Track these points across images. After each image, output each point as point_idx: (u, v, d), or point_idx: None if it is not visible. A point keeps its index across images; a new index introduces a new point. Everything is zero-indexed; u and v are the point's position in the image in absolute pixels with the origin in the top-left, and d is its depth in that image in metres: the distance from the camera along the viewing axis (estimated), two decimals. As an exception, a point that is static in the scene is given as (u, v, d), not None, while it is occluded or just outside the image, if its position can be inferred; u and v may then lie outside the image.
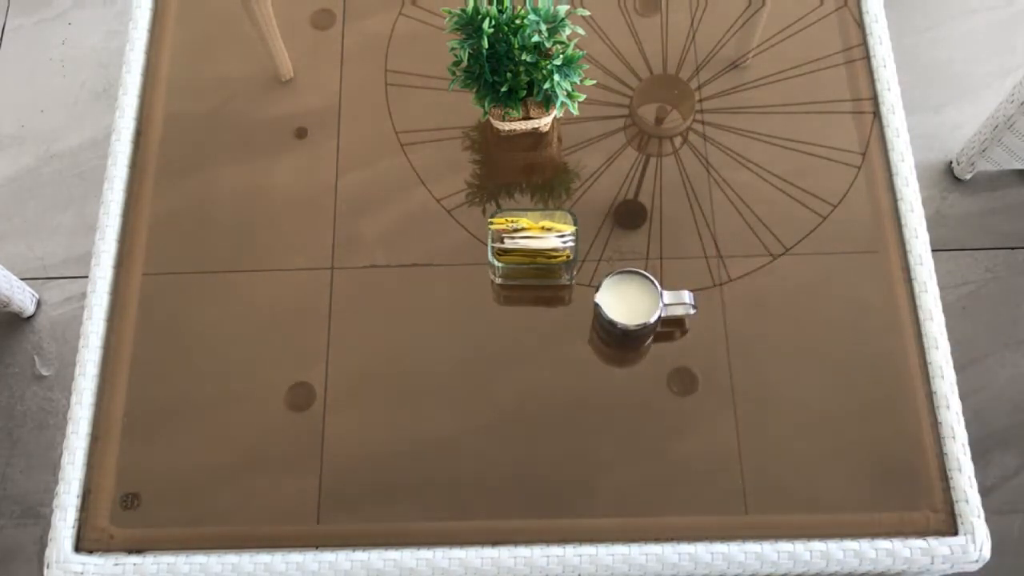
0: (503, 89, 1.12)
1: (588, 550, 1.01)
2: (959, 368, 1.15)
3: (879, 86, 1.24)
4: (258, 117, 1.26)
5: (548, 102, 1.15)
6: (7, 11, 2.04)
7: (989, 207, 1.81)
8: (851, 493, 1.04)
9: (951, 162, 1.83)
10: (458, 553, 1.01)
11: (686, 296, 1.09)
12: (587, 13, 1.19)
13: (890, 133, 1.21)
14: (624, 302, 1.07)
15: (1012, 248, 1.77)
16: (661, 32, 1.30)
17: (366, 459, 1.07)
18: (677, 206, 1.19)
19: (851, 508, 1.04)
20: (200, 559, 1.01)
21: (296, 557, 1.01)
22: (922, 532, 1.02)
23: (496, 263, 1.10)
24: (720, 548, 1.00)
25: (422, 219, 1.19)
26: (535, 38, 1.08)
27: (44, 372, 1.71)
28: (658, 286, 1.08)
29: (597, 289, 1.08)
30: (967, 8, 1.99)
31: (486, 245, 1.11)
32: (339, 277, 1.16)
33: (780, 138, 1.22)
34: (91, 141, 1.90)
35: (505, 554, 1.00)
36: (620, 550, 1.01)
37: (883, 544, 1.00)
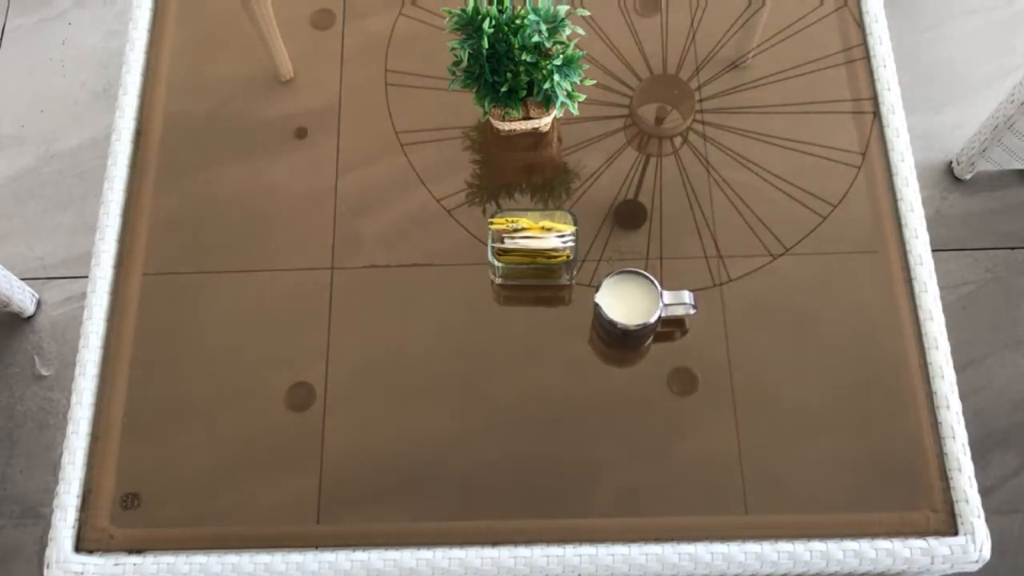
0: (503, 89, 1.12)
1: (588, 550, 1.01)
2: (959, 368, 1.15)
3: (879, 86, 1.24)
4: (258, 117, 1.26)
5: (548, 102, 1.15)
6: (7, 11, 2.04)
7: (989, 207, 1.81)
8: (851, 493, 1.04)
9: (951, 162, 1.83)
10: (458, 553, 1.01)
11: (686, 296, 1.09)
12: (587, 13, 1.19)
13: (890, 133, 1.21)
14: (624, 302, 1.07)
15: (1012, 248, 1.77)
16: (661, 32, 1.30)
17: (366, 459, 1.07)
18: (677, 206, 1.19)
19: (851, 508, 1.04)
20: (200, 559, 1.01)
21: (296, 557, 1.01)
22: (922, 532, 1.02)
23: (496, 263, 1.10)
24: (720, 548, 1.00)
25: (422, 219, 1.19)
26: (535, 38, 1.08)
27: (44, 372, 1.71)
28: (658, 286, 1.08)
29: (597, 289, 1.08)
30: (967, 8, 1.99)
31: (486, 245, 1.11)
32: (339, 277, 1.16)
33: (780, 138, 1.22)
34: (91, 141, 1.90)
35: (505, 554, 1.00)
36: (620, 550, 1.01)
37: (883, 544, 1.00)
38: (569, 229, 1.10)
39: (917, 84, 1.90)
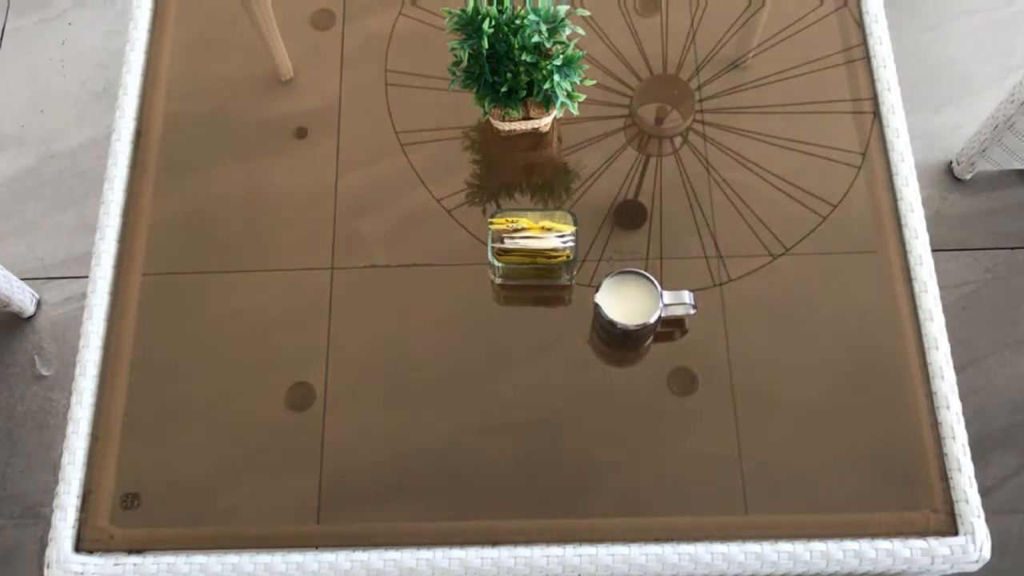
0: (503, 89, 1.12)
1: (588, 550, 1.01)
2: (959, 368, 1.15)
3: (879, 86, 1.24)
4: (258, 117, 1.26)
5: (548, 102, 1.15)
6: (7, 11, 2.04)
7: (989, 207, 1.81)
8: (851, 493, 1.04)
9: (951, 162, 1.83)
10: (458, 553, 1.01)
11: (686, 296, 1.09)
12: (587, 13, 1.19)
13: (890, 133, 1.21)
14: (624, 302, 1.07)
15: (1012, 248, 1.77)
16: (661, 32, 1.30)
17: (366, 459, 1.07)
18: (677, 206, 1.19)
19: (851, 508, 1.04)
20: (200, 559, 1.01)
21: (296, 557, 1.01)
22: (922, 532, 1.02)
23: (496, 263, 1.10)
24: (720, 548, 1.00)
25: (422, 219, 1.19)
26: (535, 38, 1.08)
27: (44, 372, 1.71)
28: (658, 286, 1.08)
29: (597, 289, 1.08)
30: (967, 8, 1.99)
31: (486, 245, 1.11)
32: (339, 277, 1.16)
33: (780, 138, 1.22)
34: (91, 141, 1.90)
35: (505, 554, 1.00)
36: (620, 550, 1.01)
37: (883, 544, 1.00)
38: (569, 229, 1.10)
39: (917, 84, 1.90)
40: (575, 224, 1.11)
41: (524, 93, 1.14)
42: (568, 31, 1.11)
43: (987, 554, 1.01)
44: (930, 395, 1.07)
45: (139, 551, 1.02)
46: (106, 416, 1.09)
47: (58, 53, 2.00)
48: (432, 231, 1.18)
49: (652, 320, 1.06)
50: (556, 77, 1.11)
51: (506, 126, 1.20)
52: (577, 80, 1.12)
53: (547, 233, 1.09)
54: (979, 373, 1.67)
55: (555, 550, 1.01)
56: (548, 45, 1.11)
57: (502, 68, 1.12)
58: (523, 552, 1.01)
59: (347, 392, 1.10)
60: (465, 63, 1.11)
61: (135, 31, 1.30)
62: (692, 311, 1.09)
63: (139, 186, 1.21)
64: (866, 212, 1.18)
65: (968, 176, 1.82)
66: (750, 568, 1.00)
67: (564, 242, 1.09)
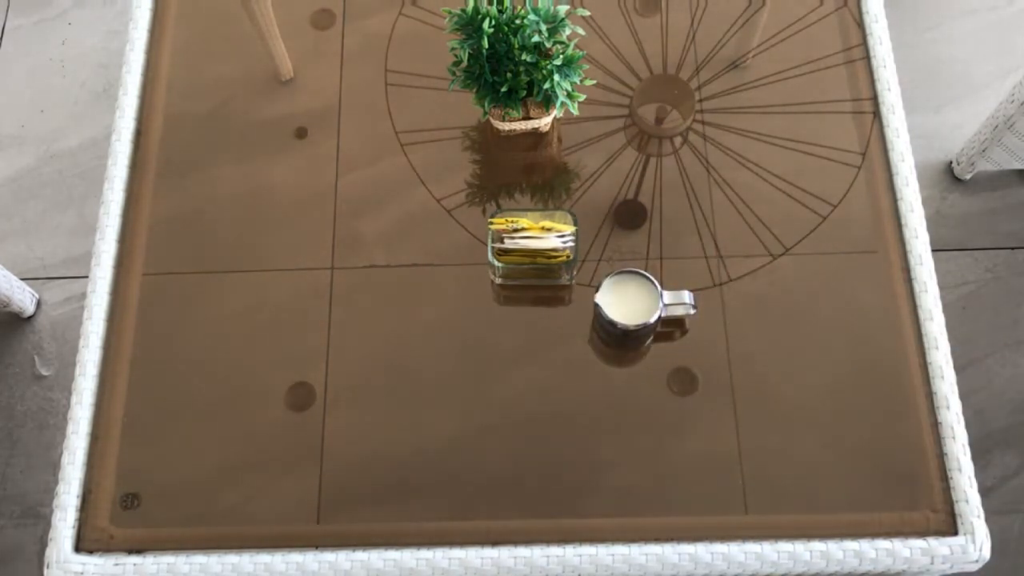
0: (503, 89, 1.12)
1: (588, 550, 1.01)
2: (959, 368, 1.15)
3: (879, 86, 1.24)
4: (258, 117, 1.26)
5: (548, 102, 1.15)
6: (7, 11, 2.04)
7: (989, 207, 1.81)
8: (851, 493, 1.04)
9: (951, 162, 1.83)
10: (458, 553, 1.01)
11: (686, 296, 1.09)
12: (587, 13, 1.19)
13: (890, 133, 1.21)
14: (624, 302, 1.07)
15: (1012, 248, 1.77)
16: (661, 32, 1.30)
17: (366, 459, 1.07)
18: (677, 206, 1.19)
19: (851, 508, 1.04)
20: (200, 559, 1.01)
21: (296, 557, 1.01)
22: (922, 532, 1.02)
23: (496, 263, 1.10)
24: (720, 548, 1.00)
25: (422, 219, 1.19)
26: (535, 38, 1.08)
27: (44, 372, 1.71)
28: (658, 286, 1.08)
29: (597, 289, 1.08)
30: (967, 8, 1.99)
31: (486, 245, 1.11)
32: (339, 277, 1.16)
33: (780, 138, 1.22)
34: (91, 141, 1.90)
35: (505, 554, 1.00)
36: (620, 550, 1.01)
37: (883, 544, 1.00)
38: (569, 229, 1.10)
39: (917, 84, 1.90)
40: (575, 224, 1.11)
41: (524, 93, 1.14)
42: (568, 31, 1.11)
43: (987, 554, 1.01)
44: (930, 395, 1.07)
45: (139, 551, 1.02)
46: (106, 416, 1.09)
47: (58, 53, 2.00)
48: (432, 231, 1.18)
49: (652, 320, 1.06)
50: (556, 77, 1.11)
51: (506, 126, 1.20)
52: (577, 80, 1.12)
53: (547, 233, 1.09)
54: (979, 373, 1.67)
55: (555, 550, 1.01)
56: (548, 45, 1.11)
57: (502, 68, 1.12)
58: (523, 552, 1.01)
59: (347, 392, 1.10)
60: (465, 63, 1.11)
61: (135, 31, 1.30)
62: (692, 311, 1.09)
63: (139, 186, 1.21)
64: (866, 212, 1.18)
65: (968, 176, 1.82)
66: (750, 568, 1.00)
67: (564, 242, 1.09)
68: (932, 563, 1.00)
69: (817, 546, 1.00)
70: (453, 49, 1.11)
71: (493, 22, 1.07)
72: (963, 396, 1.10)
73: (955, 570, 1.02)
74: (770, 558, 1.00)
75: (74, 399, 1.09)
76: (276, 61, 1.30)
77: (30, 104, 1.95)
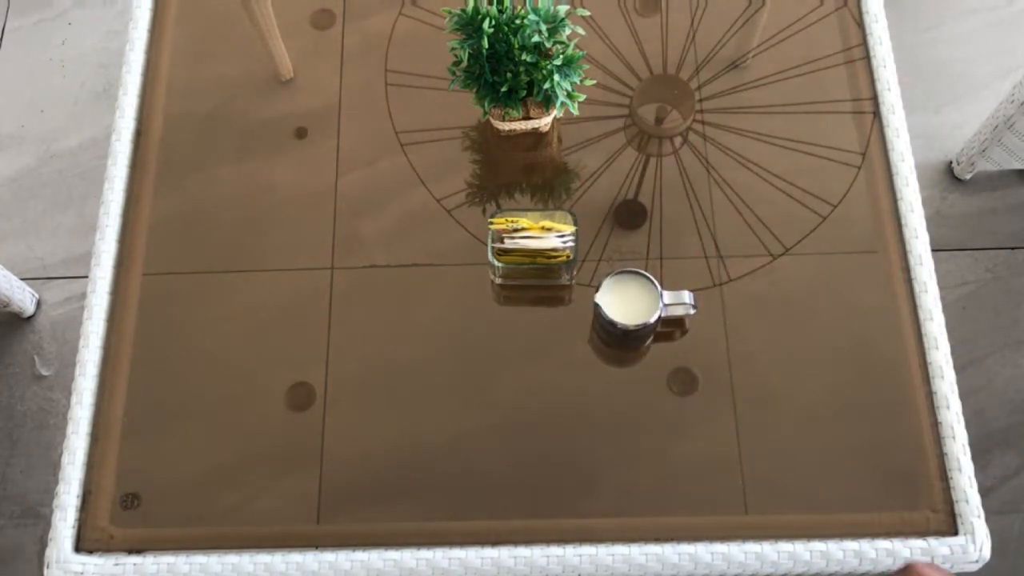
0: (503, 89, 1.12)
1: (588, 550, 1.01)
2: (959, 368, 1.15)
3: (879, 86, 1.24)
4: (258, 117, 1.26)
5: (548, 102, 1.15)
6: (7, 11, 2.04)
7: (989, 207, 1.81)
8: (851, 493, 1.04)
9: (951, 162, 1.83)
10: (458, 553, 1.01)
11: (686, 296, 1.09)
12: (587, 13, 1.19)
13: (890, 133, 1.21)
14: (624, 302, 1.07)
15: (1012, 248, 1.77)
16: (661, 32, 1.30)
17: (366, 459, 1.07)
18: (677, 206, 1.19)
19: (851, 508, 1.04)
20: (200, 559, 1.01)
21: (296, 557, 1.01)
22: (922, 532, 1.02)
23: (496, 263, 1.10)
24: (720, 548, 1.00)
25: (422, 219, 1.19)
26: (535, 38, 1.08)
27: (44, 372, 1.71)
28: (658, 286, 1.08)
29: (597, 289, 1.08)
30: (967, 8, 1.99)
31: (486, 245, 1.11)
32: (339, 277, 1.16)
33: (780, 138, 1.22)
34: (91, 141, 1.90)
35: (505, 554, 1.00)
36: (620, 550, 1.01)
37: (883, 544, 1.00)
38: (569, 229, 1.10)
39: (917, 84, 1.90)
40: (575, 224, 1.11)
41: (524, 93, 1.14)
42: (568, 31, 1.11)
43: (987, 554, 1.01)
44: (930, 395, 1.08)
45: (139, 551, 1.02)
46: (106, 416, 1.09)
47: (58, 53, 2.00)
48: (432, 231, 1.18)
49: (652, 320, 1.06)
50: (556, 77, 1.11)
51: (506, 126, 1.20)
52: (577, 80, 1.12)
53: (547, 233, 1.09)
54: (979, 373, 1.67)
55: (555, 550, 1.01)
56: (548, 45, 1.11)
57: (502, 68, 1.12)
58: (523, 552, 1.01)
59: (347, 392, 1.10)
60: (465, 63, 1.11)
61: (135, 31, 1.30)
62: (692, 311, 1.09)
63: (139, 186, 1.21)
64: (866, 212, 1.18)
65: (968, 176, 1.82)
66: (750, 568, 1.00)
67: (564, 242, 1.09)
68: (932, 563, 1.00)
69: (817, 546, 1.00)
70: (453, 49, 1.11)
71: (493, 22, 1.07)
72: (963, 396, 1.10)
73: (955, 570, 1.02)
74: (770, 558, 1.00)
75: (74, 399, 1.09)
76: (276, 61, 1.30)
77: (30, 104, 1.95)
